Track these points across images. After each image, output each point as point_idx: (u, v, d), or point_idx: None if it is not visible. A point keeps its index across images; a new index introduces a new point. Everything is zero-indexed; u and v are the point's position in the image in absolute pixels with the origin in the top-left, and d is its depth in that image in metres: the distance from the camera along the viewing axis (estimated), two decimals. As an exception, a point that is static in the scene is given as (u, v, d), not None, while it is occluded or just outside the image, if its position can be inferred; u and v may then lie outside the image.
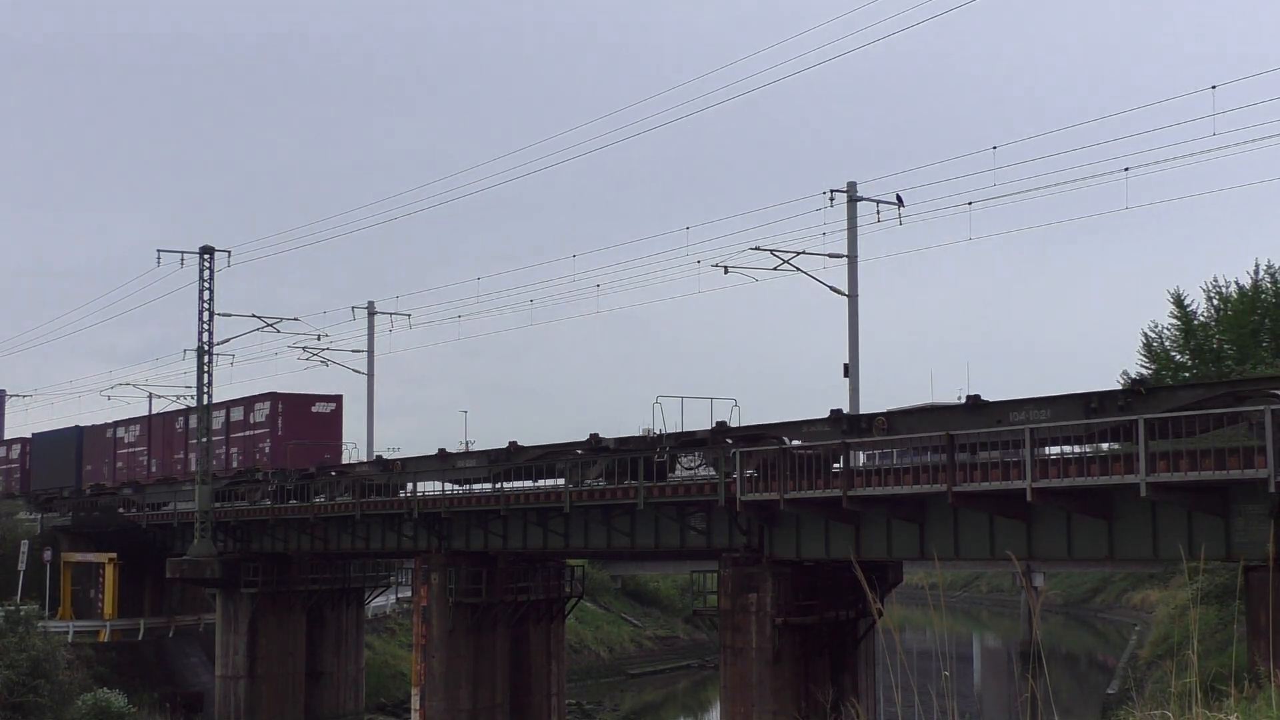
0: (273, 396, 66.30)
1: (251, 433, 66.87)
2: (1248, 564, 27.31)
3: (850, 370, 42.19)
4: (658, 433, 41.41)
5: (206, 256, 61.71)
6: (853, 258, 42.33)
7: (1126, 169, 35.86)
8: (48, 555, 68.37)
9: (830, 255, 42.49)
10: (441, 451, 51.44)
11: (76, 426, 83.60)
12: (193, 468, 66.32)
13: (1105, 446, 31.19)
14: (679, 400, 42.01)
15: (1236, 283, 67.19)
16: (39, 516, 76.54)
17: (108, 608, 66.46)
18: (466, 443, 51.99)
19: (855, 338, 42.26)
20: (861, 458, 36.77)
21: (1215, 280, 67.75)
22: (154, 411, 77.66)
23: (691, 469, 40.65)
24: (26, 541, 67.78)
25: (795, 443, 35.78)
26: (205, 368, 62.02)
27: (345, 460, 63.74)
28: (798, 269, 42.51)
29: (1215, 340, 66.52)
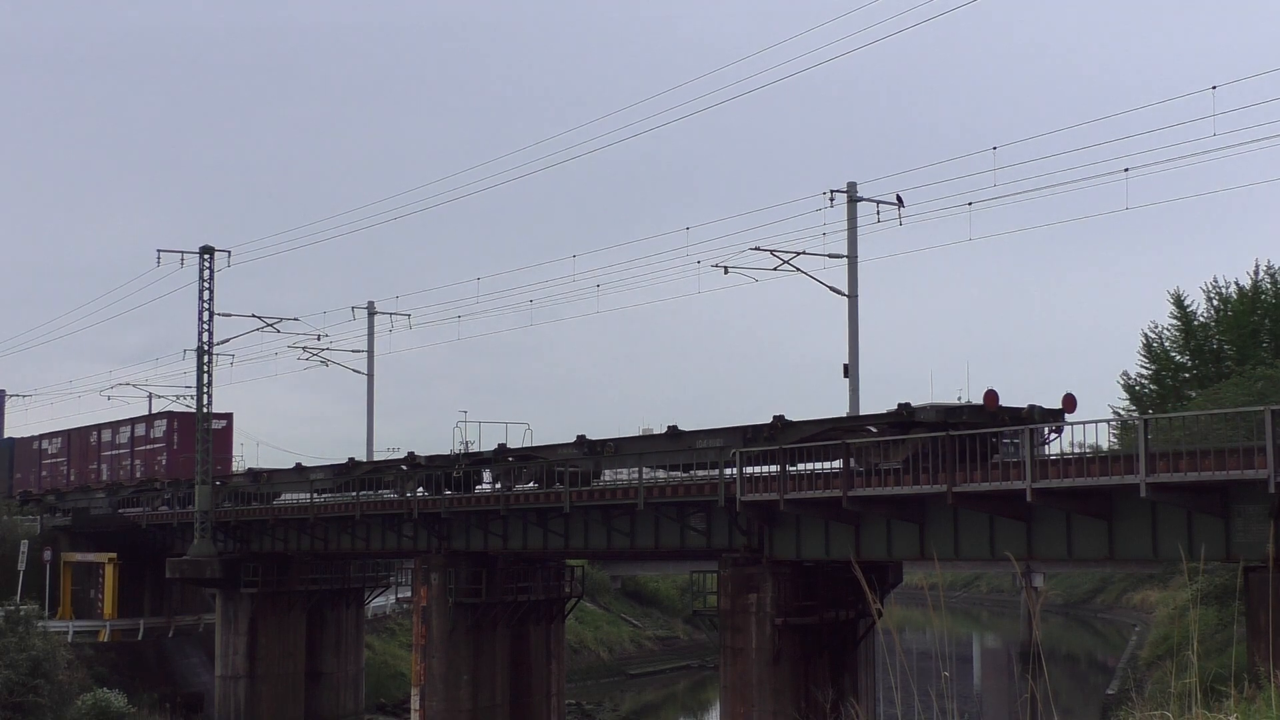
0: (169, 415, 74.62)
1: (151, 447, 74.68)
2: (1247, 564, 27.31)
3: (850, 370, 42.18)
4: (457, 452, 50.52)
5: (206, 256, 61.71)
6: (853, 258, 42.31)
7: (1126, 169, 35.84)
8: (47, 555, 68.39)
9: (830, 255, 42.47)
10: (298, 465, 61.61)
11: (10, 438, 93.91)
12: (104, 476, 77.39)
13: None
14: (478, 424, 58.51)
15: (1236, 283, 67.25)
16: (39, 516, 76.63)
17: (107, 608, 66.45)
18: (466, 443, 51.86)
19: (855, 338, 42.25)
20: (607, 474, 44.51)
21: (1215, 280, 67.85)
22: (73, 427, 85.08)
23: (489, 483, 48.77)
24: (26, 541, 67.78)
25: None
26: (205, 368, 62.04)
27: (234, 469, 72.68)
28: (798, 269, 42.48)
29: (1215, 340, 66.55)
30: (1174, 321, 68.45)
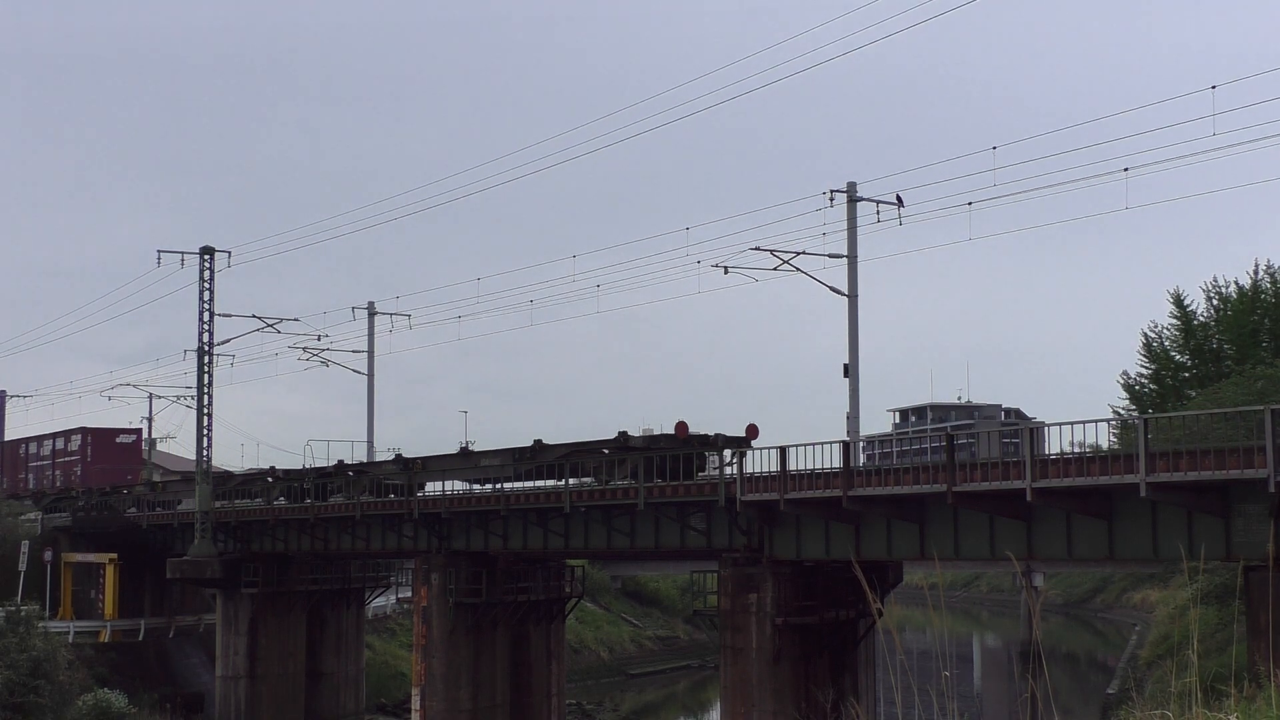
0: (83, 430, 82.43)
1: (68, 459, 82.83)
2: (1247, 564, 27.33)
3: (850, 370, 42.22)
4: (310, 467, 60.10)
5: (206, 257, 61.72)
6: (853, 258, 42.33)
7: (1126, 169, 35.90)
8: (48, 556, 68.35)
9: (830, 255, 42.50)
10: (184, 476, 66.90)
11: None
12: (30, 485, 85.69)
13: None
14: (326, 443, 62.57)
15: (1236, 283, 67.28)
16: (39, 517, 76.62)
17: (108, 608, 66.44)
18: (466, 443, 51.95)
19: (855, 338, 42.28)
20: (431, 487, 50.66)
21: (1215, 280, 67.88)
22: (5, 439, 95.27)
23: (336, 491, 56.03)
24: (27, 542, 67.73)
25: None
26: (205, 368, 62.04)
27: (144, 479, 79.70)
28: (798, 269, 42.51)
29: (1215, 340, 66.57)
30: (1174, 321, 68.51)
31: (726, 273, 42.98)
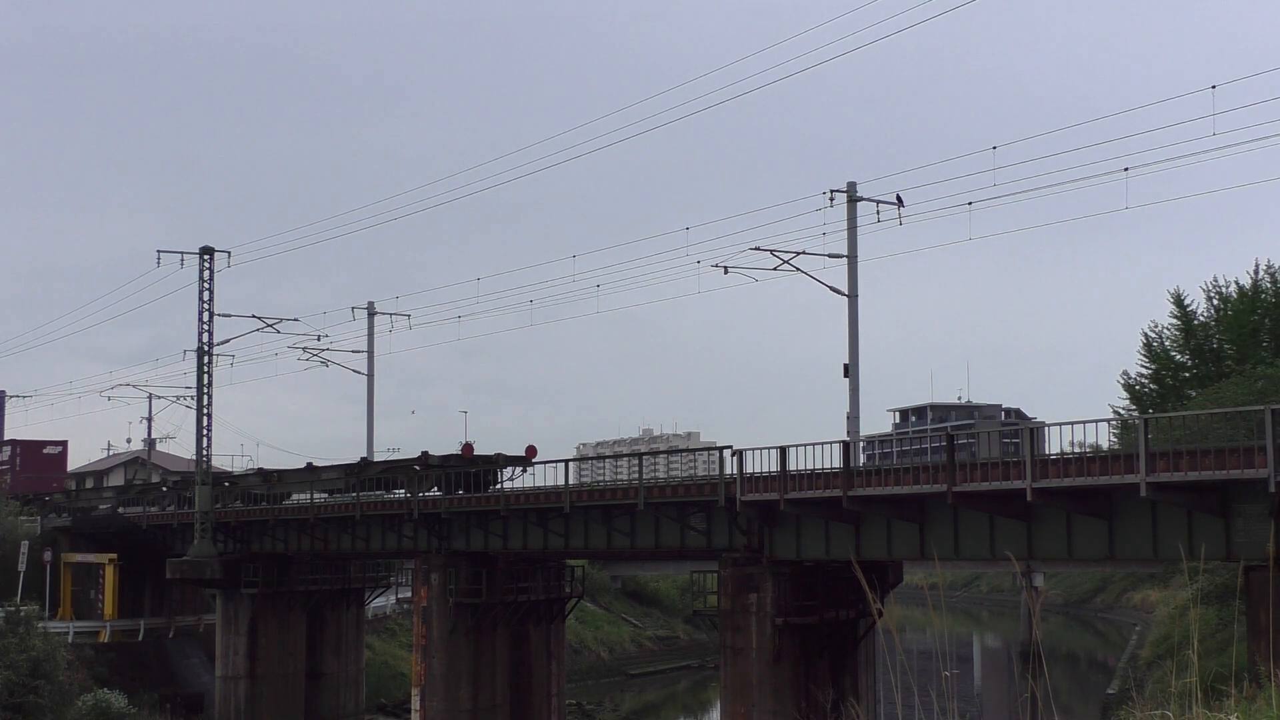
0: (13, 443, 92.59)
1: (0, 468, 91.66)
2: (1248, 564, 27.31)
3: (850, 370, 42.19)
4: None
5: (206, 257, 61.69)
6: (853, 258, 42.30)
7: (1126, 169, 35.87)
8: (48, 556, 68.35)
9: (830, 255, 42.45)
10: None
11: None
12: None
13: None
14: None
15: (1236, 282, 67.25)
16: (39, 517, 76.63)
17: (108, 608, 66.42)
18: (467, 443, 52.15)
19: (855, 338, 42.25)
20: (297, 497, 57.80)
21: (1215, 280, 67.84)
22: None
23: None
24: (27, 542, 67.73)
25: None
26: (205, 368, 62.01)
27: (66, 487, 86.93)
28: (798, 269, 42.47)
29: (1215, 340, 66.55)
30: (1174, 321, 68.47)
31: (726, 273, 42.96)
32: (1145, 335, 69.59)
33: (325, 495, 58.44)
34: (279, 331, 65.27)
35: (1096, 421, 29.80)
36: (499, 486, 48.38)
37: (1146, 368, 69.58)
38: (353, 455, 61.13)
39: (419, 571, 50.58)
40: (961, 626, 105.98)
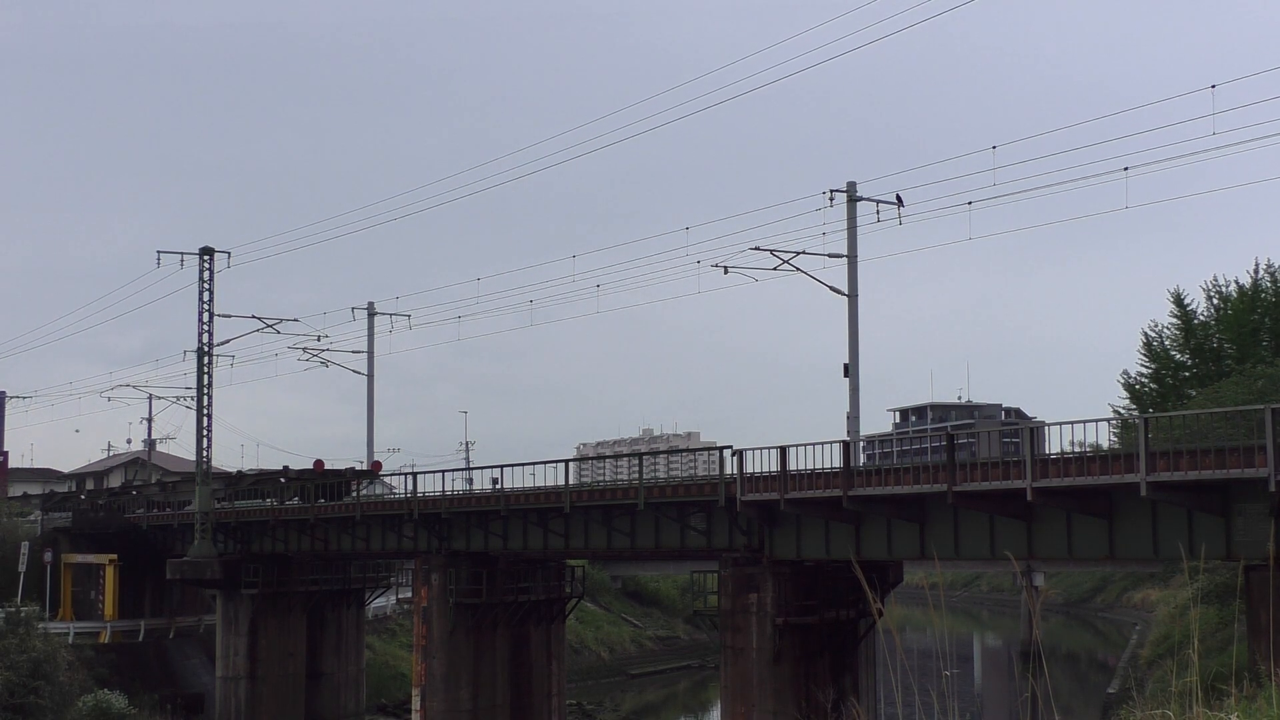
0: None
1: None
2: (1248, 563, 27.30)
3: (850, 370, 42.19)
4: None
5: (206, 257, 61.69)
6: (852, 258, 42.29)
7: (1126, 169, 35.88)
8: (48, 556, 68.31)
9: (830, 255, 42.46)
10: None
11: None
12: None
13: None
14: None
15: (1236, 282, 67.26)
16: (39, 518, 76.63)
17: (108, 609, 66.39)
18: (467, 444, 52.18)
19: (855, 338, 42.25)
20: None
21: (1215, 280, 67.85)
22: None
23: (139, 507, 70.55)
24: (27, 543, 67.71)
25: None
26: (205, 369, 62.00)
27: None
28: (798, 269, 42.46)
29: (1215, 339, 66.55)
30: (1174, 320, 68.46)
31: (726, 273, 42.96)
32: (1145, 335, 69.62)
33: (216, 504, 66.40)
34: (279, 332, 65.35)
35: (1096, 421, 29.80)
36: (354, 495, 59.72)
37: (1146, 367, 69.58)
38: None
39: (419, 572, 50.58)
40: (962, 626, 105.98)
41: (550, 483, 45.03)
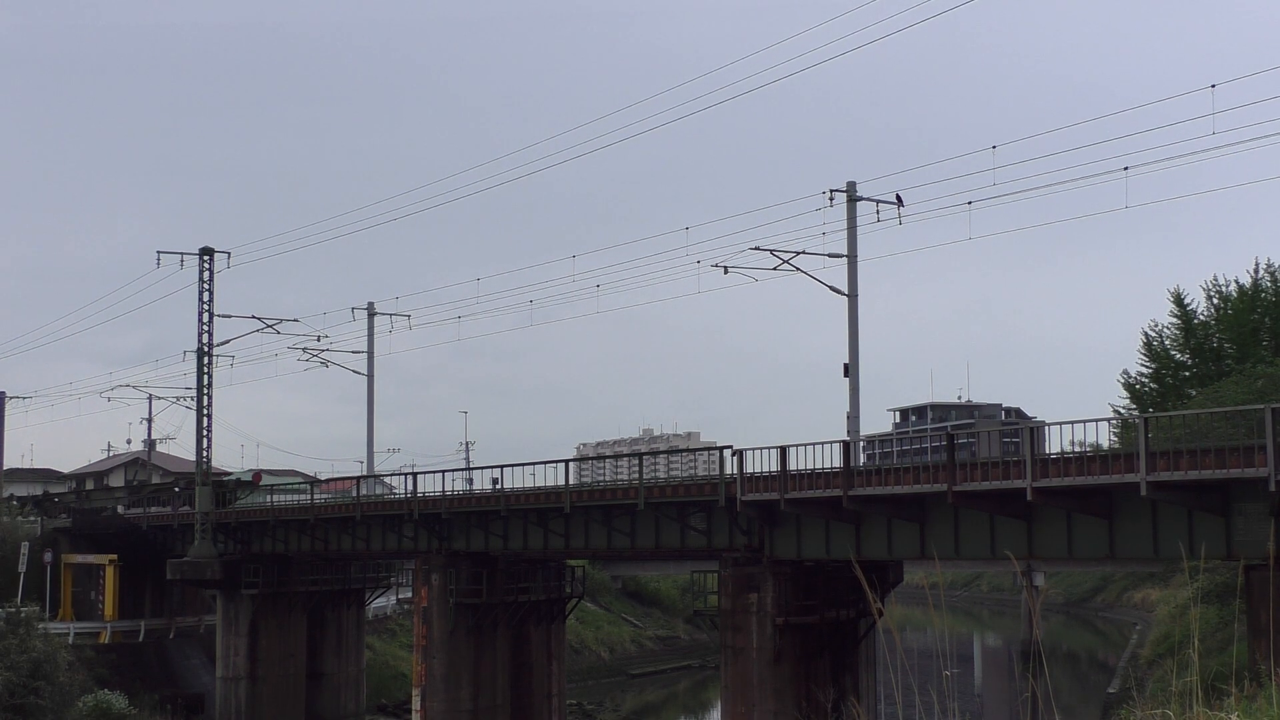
0: None
1: None
2: (1248, 563, 27.29)
3: (850, 370, 42.20)
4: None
5: (206, 258, 61.69)
6: (852, 257, 42.30)
7: (1126, 169, 35.87)
8: (48, 557, 68.30)
9: (830, 255, 42.46)
10: None
11: None
12: None
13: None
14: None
15: (1236, 282, 67.29)
16: (39, 518, 76.62)
17: (108, 609, 66.39)
18: (467, 444, 52.14)
19: (855, 337, 42.26)
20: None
21: (1215, 279, 67.86)
22: None
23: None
24: (27, 543, 67.70)
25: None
26: (205, 369, 62.00)
27: None
28: (798, 269, 42.46)
29: (1215, 339, 66.56)
30: (1174, 320, 68.48)
31: (726, 273, 42.95)
32: (1145, 334, 69.63)
33: (123, 508, 73.40)
34: (279, 332, 65.39)
35: (1097, 421, 29.82)
36: (234, 502, 64.33)
37: (1147, 367, 69.60)
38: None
39: (419, 572, 50.58)
40: (962, 626, 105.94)
41: (550, 483, 45.04)
